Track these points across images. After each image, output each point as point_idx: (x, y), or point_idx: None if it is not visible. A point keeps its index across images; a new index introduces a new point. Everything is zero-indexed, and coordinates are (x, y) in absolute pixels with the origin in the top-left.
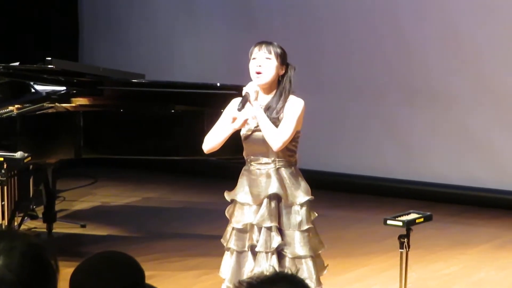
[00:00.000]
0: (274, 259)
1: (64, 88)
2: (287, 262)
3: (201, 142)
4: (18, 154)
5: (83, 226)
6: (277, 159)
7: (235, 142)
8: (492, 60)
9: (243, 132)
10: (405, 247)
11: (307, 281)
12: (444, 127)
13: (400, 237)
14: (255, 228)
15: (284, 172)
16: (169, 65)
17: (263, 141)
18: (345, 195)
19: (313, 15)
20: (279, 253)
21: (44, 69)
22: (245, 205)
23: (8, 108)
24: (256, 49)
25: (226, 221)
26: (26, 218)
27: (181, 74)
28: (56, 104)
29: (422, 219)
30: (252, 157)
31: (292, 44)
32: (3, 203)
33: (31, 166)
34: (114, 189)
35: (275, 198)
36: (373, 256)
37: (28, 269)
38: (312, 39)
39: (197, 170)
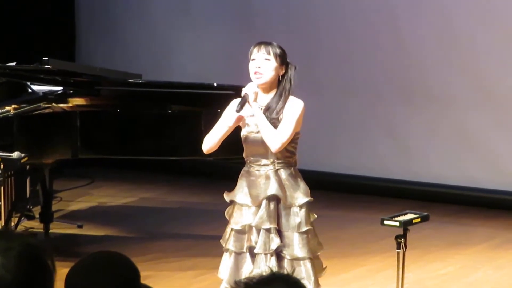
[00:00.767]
0: (273, 260)
1: (61, 88)
2: (286, 264)
3: (197, 142)
4: (15, 155)
5: (80, 227)
6: (276, 161)
7: (232, 142)
8: (490, 61)
9: (243, 133)
10: (402, 247)
11: (305, 282)
12: (441, 128)
13: (397, 237)
14: (254, 230)
15: (283, 173)
16: (166, 65)
17: (262, 143)
18: (342, 195)
19: (311, 15)
20: (278, 254)
21: (41, 69)
22: (244, 206)
23: (4, 108)
24: (255, 50)
25: (223, 222)
26: (23, 218)
27: (178, 74)
28: (53, 104)
29: (419, 219)
30: (251, 158)
31: (289, 45)
32: (0, 203)
33: (28, 167)
34: (111, 190)
35: (274, 199)
36: (370, 256)
37: (25, 270)
38: (310, 39)
39: (194, 170)
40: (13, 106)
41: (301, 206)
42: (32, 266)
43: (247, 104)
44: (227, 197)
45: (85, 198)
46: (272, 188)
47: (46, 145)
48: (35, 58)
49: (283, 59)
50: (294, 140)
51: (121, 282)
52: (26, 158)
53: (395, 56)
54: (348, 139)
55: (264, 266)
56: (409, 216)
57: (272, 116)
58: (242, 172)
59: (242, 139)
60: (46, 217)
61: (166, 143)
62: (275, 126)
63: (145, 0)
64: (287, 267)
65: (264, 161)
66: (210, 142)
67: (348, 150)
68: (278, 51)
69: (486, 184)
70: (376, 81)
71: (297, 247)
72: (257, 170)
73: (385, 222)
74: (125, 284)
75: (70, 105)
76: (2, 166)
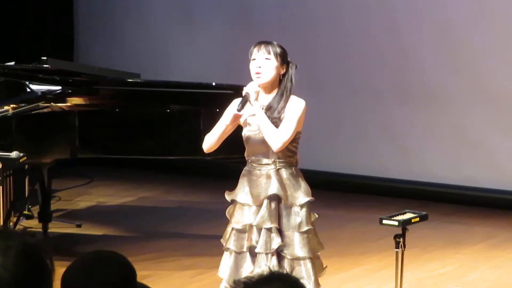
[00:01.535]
0: (274, 260)
1: (59, 87)
2: (286, 263)
3: (196, 141)
4: (14, 154)
5: (78, 226)
6: (277, 160)
7: (230, 142)
8: (488, 61)
9: (244, 133)
10: (401, 247)
11: (305, 282)
12: (440, 127)
13: (396, 236)
14: (255, 229)
15: (285, 172)
16: (165, 64)
17: (263, 142)
18: (340, 194)
19: (309, 15)
20: (279, 254)
21: (40, 69)
22: (245, 206)
23: (3, 108)
24: (256, 49)
25: (222, 221)
26: (21, 217)
27: (177, 74)
28: (52, 103)
29: (417, 219)
30: (253, 157)
31: (288, 44)
32: None
33: (26, 166)
34: (110, 189)
35: (275, 199)
36: (369, 256)
37: (23, 269)
38: (309, 39)
39: (193, 169)
40: (11, 105)
41: (302, 206)
42: (30, 265)
43: (248, 103)
44: (228, 196)
45: (84, 198)
46: (273, 188)
47: (45, 144)
48: (34, 58)
49: (283, 58)
50: (295, 140)
51: (117, 281)
52: (25, 158)
53: (394, 56)
54: (346, 138)
55: (265, 265)
56: (408, 215)
57: (274, 115)
58: (243, 171)
59: (244, 138)
60: (45, 217)
61: (165, 142)
62: (277, 126)
63: (143, 0)
64: (287, 267)
65: (265, 161)
66: (210, 141)
67: (346, 149)
68: (278, 50)
69: (485, 184)
70: (375, 81)
71: (297, 246)
72: (258, 170)
73: (384, 221)
74: (121, 283)
75: (68, 104)
76: (0, 165)
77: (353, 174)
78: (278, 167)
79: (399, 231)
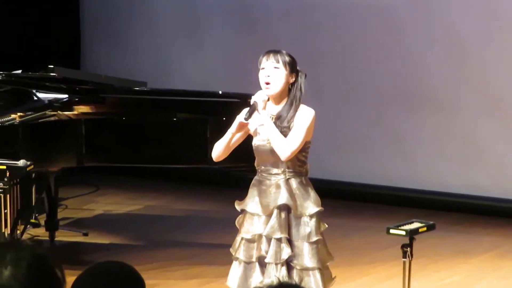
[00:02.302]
0: (283, 270)
1: (66, 96)
2: (295, 274)
3: (203, 150)
4: (21, 162)
5: (85, 234)
6: (287, 170)
7: (236, 151)
8: (496, 69)
9: (254, 143)
10: (408, 256)
11: None
12: (447, 136)
13: (403, 246)
14: (264, 239)
15: (294, 182)
16: (171, 72)
17: (272, 152)
18: (347, 203)
19: (315, 23)
20: (288, 264)
21: (46, 77)
22: (254, 216)
23: (10, 116)
24: (264, 58)
25: (229, 230)
26: (28, 226)
27: (183, 82)
28: (58, 112)
29: (425, 228)
30: (262, 167)
31: (294, 53)
32: (5, 211)
33: (33, 174)
34: (117, 197)
35: (285, 208)
36: (376, 265)
37: (34, 280)
38: (315, 47)
39: (200, 178)
40: (18, 114)
41: (311, 216)
42: (41, 277)
43: (256, 112)
44: (238, 206)
45: (91, 206)
46: (283, 198)
47: (52, 152)
48: (41, 66)
49: (292, 67)
50: (304, 149)
51: None
52: (32, 166)
53: (402, 64)
54: (354, 147)
55: (275, 276)
56: (415, 225)
57: (283, 124)
58: (253, 181)
59: (254, 148)
60: (52, 225)
61: (171, 151)
62: (286, 135)
63: (149, 8)
64: (296, 277)
65: (275, 170)
66: (218, 149)
67: (354, 158)
68: (287, 59)
69: (493, 193)
70: (383, 90)
71: (306, 257)
72: (268, 180)
73: (391, 231)
74: None
75: (75, 112)
76: (8, 174)
77: (360, 183)
78: (287, 177)
79: (406, 240)
